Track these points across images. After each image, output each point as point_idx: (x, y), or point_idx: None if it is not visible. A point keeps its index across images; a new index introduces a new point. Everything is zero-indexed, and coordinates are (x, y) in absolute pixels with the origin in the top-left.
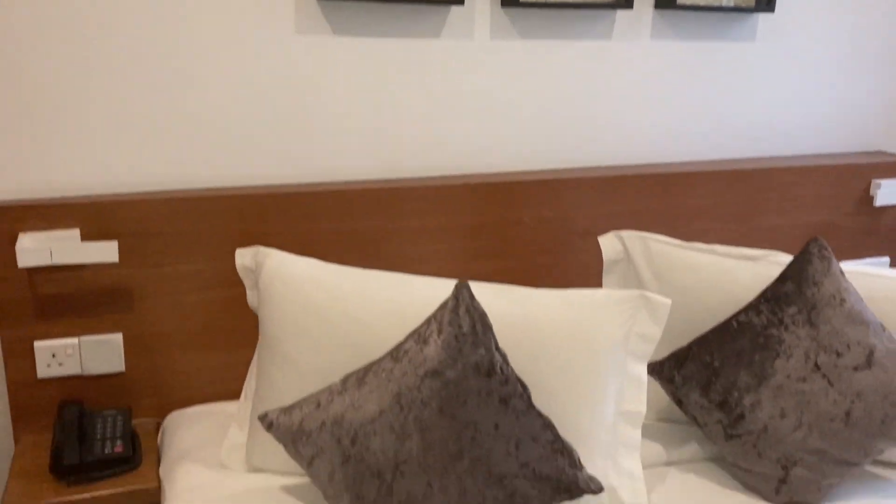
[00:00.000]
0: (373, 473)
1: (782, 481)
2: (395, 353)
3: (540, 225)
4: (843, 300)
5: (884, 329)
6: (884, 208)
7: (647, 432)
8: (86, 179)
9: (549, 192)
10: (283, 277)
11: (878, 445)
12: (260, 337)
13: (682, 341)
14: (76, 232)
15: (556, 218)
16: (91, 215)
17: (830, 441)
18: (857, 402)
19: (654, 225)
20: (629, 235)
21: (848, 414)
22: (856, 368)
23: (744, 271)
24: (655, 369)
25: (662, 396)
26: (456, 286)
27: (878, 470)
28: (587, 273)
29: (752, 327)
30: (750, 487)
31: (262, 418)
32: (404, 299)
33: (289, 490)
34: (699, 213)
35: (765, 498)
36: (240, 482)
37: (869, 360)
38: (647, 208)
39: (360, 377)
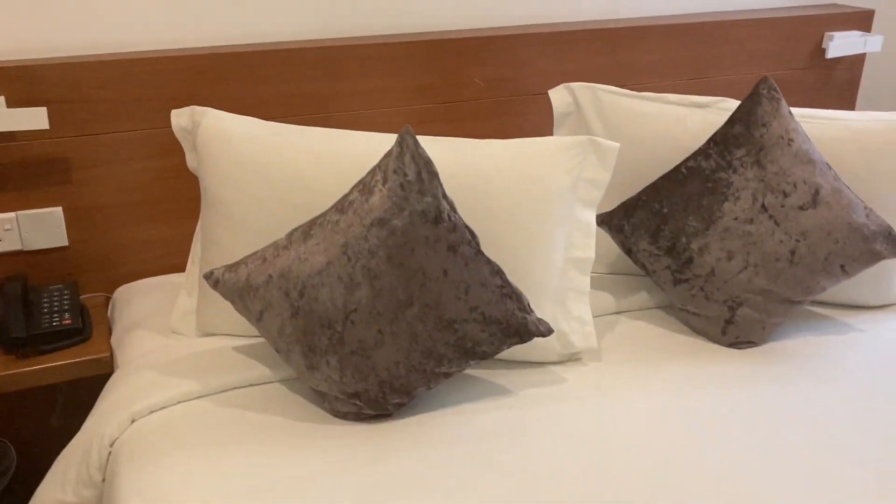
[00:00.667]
0: (323, 324)
1: (728, 322)
2: (341, 205)
3: (491, 85)
4: (791, 140)
5: (830, 168)
6: (836, 61)
7: (597, 284)
8: (10, 44)
9: (500, 50)
10: (220, 135)
11: (821, 283)
12: (202, 199)
13: (634, 192)
14: (1, 99)
15: (508, 78)
16: (17, 81)
17: (775, 281)
18: (801, 241)
19: (606, 82)
20: (579, 87)
21: (793, 253)
22: (801, 208)
23: (694, 119)
24: (605, 220)
25: (613, 249)
26: (400, 134)
27: (819, 309)
28: (541, 134)
29: (700, 172)
30: (697, 330)
31: (208, 276)
32: (347, 153)
33: (241, 350)
34: (651, 70)
35: (712, 339)
36: (192, 346)
37: (814, 199)
38: (599, 65)
39: (306, 230)
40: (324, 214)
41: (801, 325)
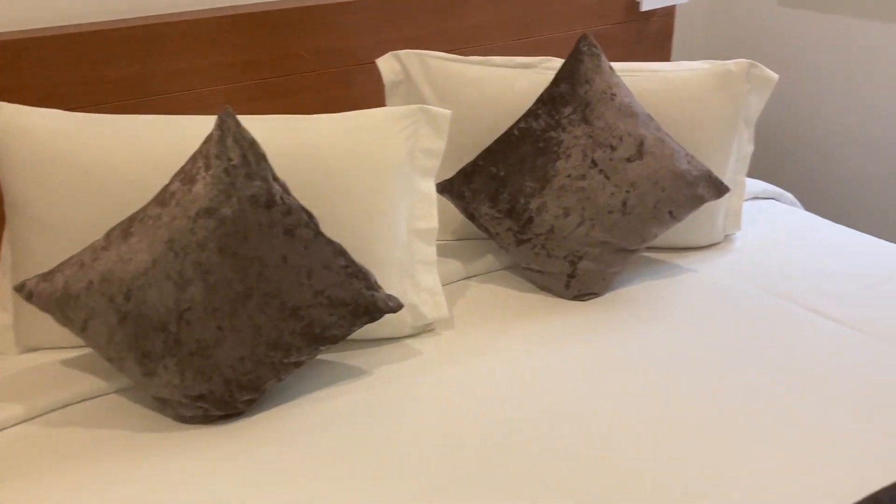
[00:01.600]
0: (155, 327)
1: (571, 276)
2: (161, 198)
3: (319, 57)
4: (613, 95)
5: (651, 119)
6: (650, 14)
7: (444, 251)
8: None
9: (324, 20)
10: (19, 131)
11: (653, 230)
12: (6, 203)
13: (471, 157)
14: None
15: (335, 49)
16: None
17: (611, 232)
18: (631, 192)
19: (436, 48)
20: (406, 55)
21: (624, 204)
22: (629, 160)
23: (521, 80)
24: (446, 187)
25: (456, 215)
26: (219, 116)
27: (653, 254)
28: (373, 104)
29: (532, 133)
30: (543, 287)
31: (20, 289)
32: (165, 140)
33: (69, 363)
34: (479, 33)
35: (557, 295)
36: (13, 364)
37: (640, 151)
38: (428, 32)
39: (126, 228)
40: (143, 209)
41: (639, 272)
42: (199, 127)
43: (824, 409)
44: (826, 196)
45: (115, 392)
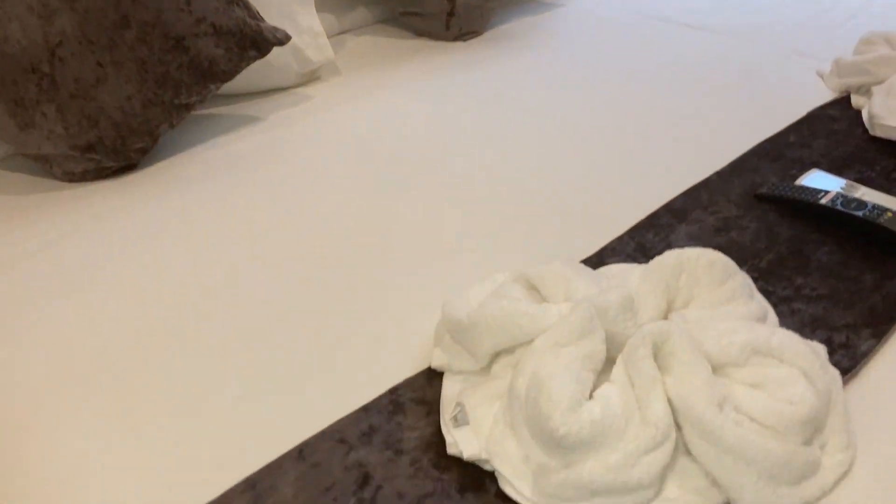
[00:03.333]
0: (24, 68)
1: (450, 14)
2: None
3: None
4: None
5: None
6: None
7: (317, 5)
8: None
9: None
10: None
11: None
12: None
13: None
14: None
15: None
16: None
17: None
18: None
19: None
20: None
21: None
22: None
23: None
24: None
25: None
26: None
27: None
28: None
29: None
30: (423, 33)
31: None
32: None
33: None
34: None
35: (438, 38)
36: None
37: None
38: None
39: None
40: None
41: (514, 10)
42: None
43: (700, 99)
44: None
45: None
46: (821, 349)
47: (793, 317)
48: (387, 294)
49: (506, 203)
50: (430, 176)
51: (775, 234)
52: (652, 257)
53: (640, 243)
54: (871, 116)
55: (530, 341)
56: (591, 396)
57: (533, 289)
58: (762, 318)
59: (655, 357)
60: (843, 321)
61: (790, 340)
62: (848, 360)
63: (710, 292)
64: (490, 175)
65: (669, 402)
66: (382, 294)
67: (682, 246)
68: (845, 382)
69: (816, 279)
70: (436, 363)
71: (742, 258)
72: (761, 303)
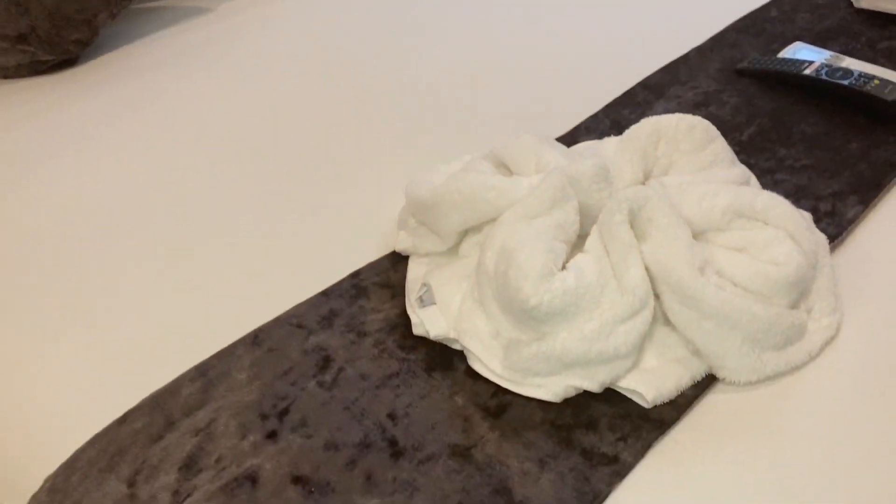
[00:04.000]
0: None
1: None
2: None
3: None
4: None
5: None
6: None
7: None
8: None
9: None
10: None
11: None
12: None
13: None
14: None
15: None
16: None
17: None
18: None
19: None
20: None
21: None
22: None
23: None
24: None
25: None
26: None
27: None
28: None
29: None
30: None
31: None
32: None
33: None
34: None
35: None
36: None
37: None
38: None
39: None
40: None
41: None
42: None
43: None
44: None
45: None
46: (807, 216)
47: (776, 187)
48: (349, 178)
49: (475, 84)
50: (398, 57)
51: (757, 108)
52: None
53: (615, 120)
54: None
55: (499, 217)
56: (564, 268)
57: (502, 166)
58: (745, 183)
59: (632, 224)
60: (828, 190)
61: (775, 201)
62: (834, 228)
63: (691, 158)
64: (460, 56)
65: (647, 269)
66: (344, 178)
67: None
68: (832, 250)
69: (800, 150)
70: (400, 246)
71: (723, 132)
72: (744, 170)
